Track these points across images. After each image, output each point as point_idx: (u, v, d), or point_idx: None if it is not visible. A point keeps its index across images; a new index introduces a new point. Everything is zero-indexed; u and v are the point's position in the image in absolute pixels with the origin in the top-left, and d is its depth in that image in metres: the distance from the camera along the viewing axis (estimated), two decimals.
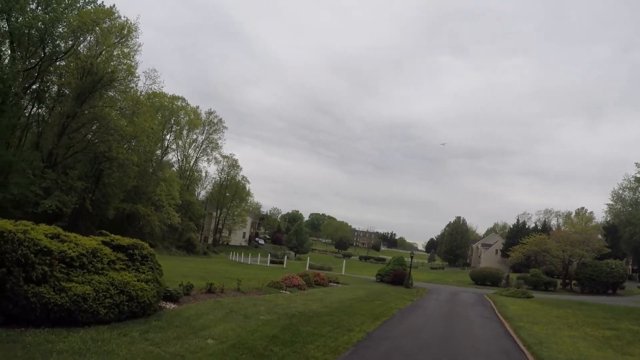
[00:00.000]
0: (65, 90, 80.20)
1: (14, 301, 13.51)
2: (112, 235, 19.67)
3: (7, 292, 13.38)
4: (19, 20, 70.35)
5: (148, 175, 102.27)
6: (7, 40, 72.08)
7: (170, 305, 21.04)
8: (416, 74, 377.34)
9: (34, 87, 78.48)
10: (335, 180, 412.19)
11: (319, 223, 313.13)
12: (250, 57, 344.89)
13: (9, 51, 73.37)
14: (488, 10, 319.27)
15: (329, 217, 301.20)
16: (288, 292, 34.87)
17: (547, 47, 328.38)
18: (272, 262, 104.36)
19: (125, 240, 19.52)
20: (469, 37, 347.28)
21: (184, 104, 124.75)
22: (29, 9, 71.38)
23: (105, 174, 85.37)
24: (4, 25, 70.81)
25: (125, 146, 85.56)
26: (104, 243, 18.55)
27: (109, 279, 16.52)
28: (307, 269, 74.44)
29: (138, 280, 17.78)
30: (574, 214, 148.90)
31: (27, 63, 74.16)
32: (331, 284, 50.91)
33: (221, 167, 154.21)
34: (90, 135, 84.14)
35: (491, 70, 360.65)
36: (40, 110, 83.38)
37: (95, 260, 16.74)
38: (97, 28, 76.63)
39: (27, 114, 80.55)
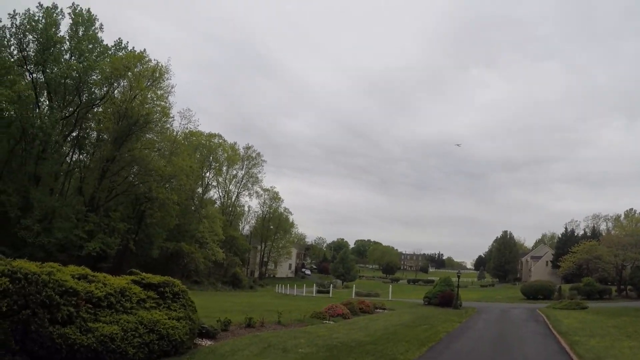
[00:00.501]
0: (104, 135, 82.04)
1: (39, 342, 13.39)
2: (143, 273, 19.53)
3: (32, 334, 13.28)
4: (54, 71, 72.67)
5: (190, 213, 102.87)
6: (44, 91, 74.44)
7: (206, 342, 20.67)
8: (448, 89, 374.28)
9: (73, 134, 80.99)
10: (378, 205, 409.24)
11: (364, 249, 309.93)
12: (282, 87, 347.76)
13: (47, 101, 75.68)
14: (512, 17, 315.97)
15: (375, 243, 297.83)
16: (331, 322, 34.12)
17: (574, 48, 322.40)
18: (318, 292, 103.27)
19: (156, 278, 19.37)
20: (496, 47, 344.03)
21: (220, 140, 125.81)
22: (62, 60, 73.47)
23: (147, 214, 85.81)
24: (40, 77, 73.01)
25: (166, 186, 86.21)
26: (134, 282, 18.48)
27: (138, 317, 16.38)
28: (353, 296, 73.40)
29: (169, 318, 17.56)
30: (622, 216, 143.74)
31: (65, 112, 76.44)
32: (377, 310, 49.85)
33: (263, 200, 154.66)
34: (130, 177, 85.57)
35: (521, 77, 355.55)
36: (81, 156, 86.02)
37: (123, 299, 16.62)
38: (129, 73, 77.98)
39: (69, 161, 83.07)
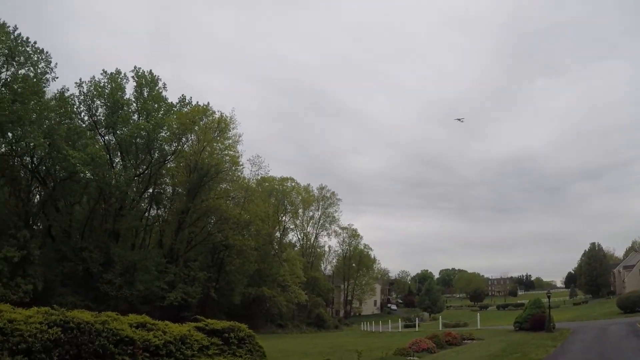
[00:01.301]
0: (178, 189, 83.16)
1: None
2: (207, 320, 19.10)
3: None
4: (124, 132, 74.72)
5: (270, 258, 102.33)
6: (117, 151, 76.73)
7: None
8: (515, 104, 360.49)
9: (149, 190, 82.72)
10: (459, 232, 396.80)
11: (449, 278, 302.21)
12: (350, 125, 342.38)
13: (120, 160, 78.24)
14: (564, 20, 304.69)
15: (460, 271, 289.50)
16: (416, 358, 32.13)
17: (634, 40, 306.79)
18: (405, 326, 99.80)
19: (220, 324, 18.97)
20: (555, 53, 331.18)
21: (293, 183, 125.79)
22: (131, 120, 75.56)
23: (226, 261, 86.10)
24: (112, 138, 75.42)
25: (243, 233, 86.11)
26: (198, 329, 18.04)
27: None
28: (440, 328, 70.46)
29: None
30: None
31: (138, 169, 78.42)
32: (465, 341, 47.02)
33: (342, 238, 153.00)
34: (208, 227, 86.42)
35: (585, 79, 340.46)
36: (158, 210, 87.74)
37: (184, 347, 16.18)
38: (195, 127, 79.24)
39: (147, 216, 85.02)
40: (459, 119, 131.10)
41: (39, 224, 74.07)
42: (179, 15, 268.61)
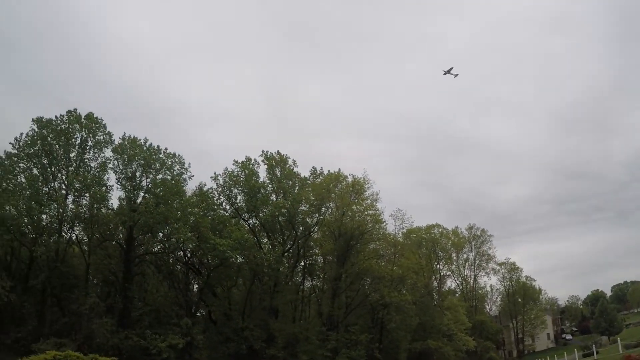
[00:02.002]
0: (328, 257, 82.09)
1: None
2: None
3: None
4: (265, 213, 75.32)
5: (431, 309, 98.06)
6: (262, 232, 77.24)
7: None
8: None
9: (301, 264, 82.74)
10: (620, 240, 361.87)
11: (623, 294, 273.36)
12: (484, 157, 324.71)
13: (267, 240, 78.74)
14: None
15: (633, 283, 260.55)
16: None
17: None
18: (583, 355, 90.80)
19: None
20: None
21: (441, 229, 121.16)
22: (270, 201, 76.25)
23: (386, 320, 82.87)
24: (255, 221, 76.72)
25: (398, 289, 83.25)
26: None
27: None
28: (620, 351, 62.60)
29: None
30: None
31: (285, 246, 78.46)
32: None
33: (501, 275, 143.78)
34: (363, 289, 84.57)
35: None
36: (313, 281, 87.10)
37: None
38: (332, 194, 78.22)
39: (302, 288, 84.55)
40: (449, 73, 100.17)
41: (200, 311, 76.15)
42: (291, 95, 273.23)
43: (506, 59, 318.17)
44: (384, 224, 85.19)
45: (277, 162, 77.92)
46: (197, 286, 74.53)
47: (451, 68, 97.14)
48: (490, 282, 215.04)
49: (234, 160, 75.94)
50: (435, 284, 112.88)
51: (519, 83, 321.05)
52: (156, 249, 70.20)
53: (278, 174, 78.10)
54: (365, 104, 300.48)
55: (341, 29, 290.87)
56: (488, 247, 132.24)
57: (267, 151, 78.08)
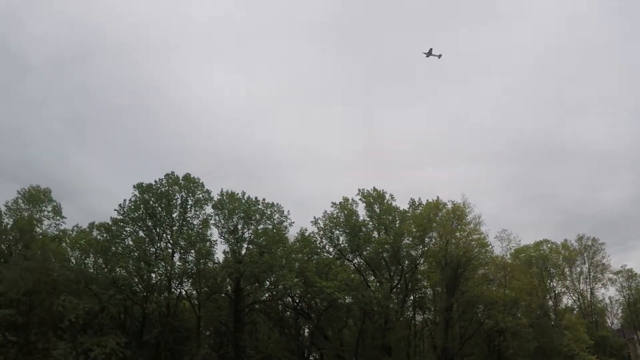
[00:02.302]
0: (437, 288, 79.70)
1: None
2: None
3: None
4: (368, 251, 74.56)
5: (549, 330, 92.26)
6: (368, 271, 76.61)
7: None
8: None
9: (410, 298, 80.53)
10: None
11: None
12: (584, 161, 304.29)
13: (373, 277, 77.40)
14: None
15: None
16: None
17: None
18: None
19: None
20: None
21: (549, 244, 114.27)
22: (372, 239, 74.93)
23: (503, 347, 78.60)
24: (359, 260, 76.16)
25: (514, 312, 79.71)
26: None
27: None
28: None
29: None
30: None
31: (393, 282, 76.62)
32: None
33: (619, 285, 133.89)
34: (477, 316, 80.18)
35: None
36: (424, 314, 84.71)
37: None
38: (433, 224, 75.93)
39: (414, 322, 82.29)
40: (431, 55, 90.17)
41: (313, 355, 76.22)
42: (378, 128, 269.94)
43: (589, 58, 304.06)
44: (490, 247, 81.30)
45: (374, 199, 76.75)
46: (307, 330, 74.21)
47: (431, 49, 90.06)
48: (609, 293, 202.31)
49: (332, 203, 76.01)
50: (550, 303, 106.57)
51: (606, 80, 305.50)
52: (264, 297, 70.63)
53: (377, 210, 76.76)
54: (453, 127, 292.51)
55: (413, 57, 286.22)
56: (601, 256, 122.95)
57: (363, 189, 77.26)
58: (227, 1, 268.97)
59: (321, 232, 74.58)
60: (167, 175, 66.63)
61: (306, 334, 74.39)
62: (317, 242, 73.96)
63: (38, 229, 78.59)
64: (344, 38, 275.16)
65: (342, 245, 74.84)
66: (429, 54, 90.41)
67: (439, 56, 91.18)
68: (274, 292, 68.67)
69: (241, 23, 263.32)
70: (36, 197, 79.73)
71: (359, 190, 76.73)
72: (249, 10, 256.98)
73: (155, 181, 66.17)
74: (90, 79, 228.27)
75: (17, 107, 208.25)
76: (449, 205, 77.35)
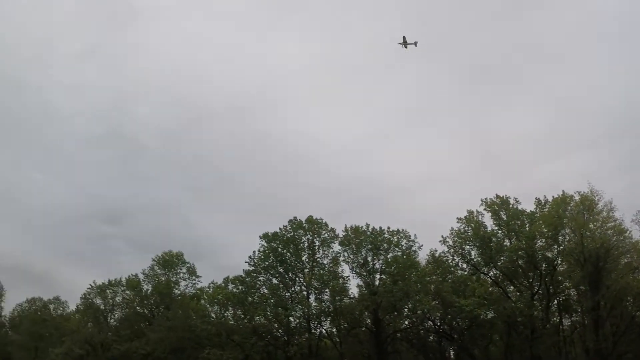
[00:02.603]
0: (580, 287, 74.59)
1: None
2: None
3: None
4: (503, 261, 71.58)
5: None
6: (506, 281, 73.16)
7: None
8: None
9: (554, 302, 76.07)
10: None
11: None
12: None
13: (512, 287, 73.91)
14: None
15: None
16: None
17: None
18: None
19: None
20: None
21: None
22: (504, 247, 71.91)
23: None
24: (496, 272, 73.18)
25: None
26: None
27: None
28: None
29: None
30: None
31: (533, 289, 73.05)
32: None
33: None
34: (626, 311, 74.36)
35: None
36: (571, 317, 79.89)
37: None
38: (563, 220, 71.31)
39: (562, 327, 77.86)
40: (407, 44, 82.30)
41: None
42: (485, 133, 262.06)
43: None
44: (628, 232, 75.23)
45: (499, 206, 73.05)
46: (452, 352, 71.55)
47: (404, 37, 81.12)
48: None
49: (457, 218, 72.90)
50: None
51: None
52: (404, 325, 70.18)
53: (504, 217, 73.00)
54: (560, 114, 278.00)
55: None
56: None
57: (486, 198, 73.77)
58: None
59: (452, 250, 71.89)
60: (290, 221, 67.88)
61: (452, 355, 72.01)
62: (449, 261, 71.55)
63: (176, 290, 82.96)
64: (434, 49, 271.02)
65: (474, 260, 71.83)
66: (404, 44, 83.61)
67: (415, 43, 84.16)
68: (413, 319, 67.63)
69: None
70: (170, 262, 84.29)
71: (481, 200, 73.42)
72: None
73: (280, 228, 67.75)
74: (199, 146, 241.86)
75: (139, 181, 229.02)
76: (577, 197, 72.49)
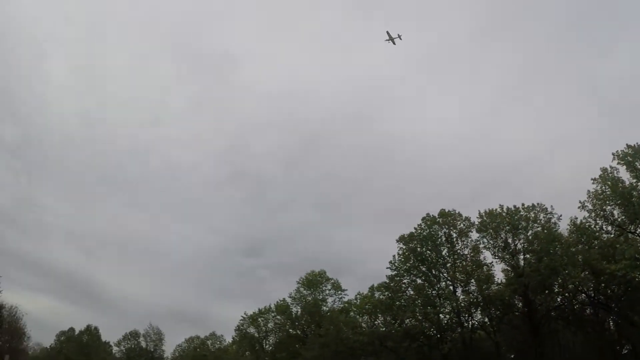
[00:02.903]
0: None
1: None
2: None
3: None
4: None
5: None
6: None
7: None
8: None
9: None
10: None
11: None
12: None
13: None
14: None
15: None
16: None
17: None
18: None
19: None
20: None
21: None
22: None
23: None
24: None
25: None
26: None
27: None
28: None
29: None
30: None
31: None
32: None
33: None
34: None
35: None
36: None
37: None
38: None
39: None
40: (393, 38, 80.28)
41: (626, 347, 67.27)
42: None
43: None
44: None
45: (632, 156, 64.14)
46: (612, 323, 67.13)
47: (388, 32, 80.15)
48: None
49: (592, 179, 65.14)
50: None
51: None
52: (557, 302, 65.88)
53: (638, 165, 63.84)
54: None
55: None
56: None
57: (616, 151, 65.39)
58: None
59: (592, 214, 65.08)
60: (424, 218, 67.17)
61: (611, 326, 67.57)
62: (592, 226, 65.37)
63: (324, 307, 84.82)
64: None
65: (619, 220, 64.70)
66: (390, 40, 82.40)
67: (399, 36, 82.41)
68: (565, 294, 63.71)
69: None
70: (314, 281, 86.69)
71: (612, 154, 65.27)
72: None
73: (415, 228, 67.20)
74: (319, 164, 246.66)
75: (270, 212, 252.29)
76: None
